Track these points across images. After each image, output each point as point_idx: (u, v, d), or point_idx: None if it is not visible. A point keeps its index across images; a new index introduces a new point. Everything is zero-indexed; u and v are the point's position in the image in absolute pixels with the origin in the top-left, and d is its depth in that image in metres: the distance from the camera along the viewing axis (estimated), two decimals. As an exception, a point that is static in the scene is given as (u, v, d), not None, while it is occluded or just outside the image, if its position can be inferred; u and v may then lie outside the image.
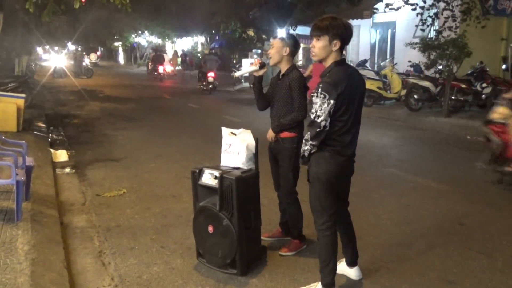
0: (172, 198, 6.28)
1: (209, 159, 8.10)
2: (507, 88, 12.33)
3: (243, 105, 16.86)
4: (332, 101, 3.35)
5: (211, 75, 20.28)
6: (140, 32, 42.60)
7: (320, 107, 3.36)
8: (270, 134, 4.50)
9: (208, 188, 4.18)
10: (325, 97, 3.35)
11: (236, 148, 4.31)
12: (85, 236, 5.04)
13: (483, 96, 13.11)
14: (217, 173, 4.11)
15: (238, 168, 4.24)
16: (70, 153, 8.91)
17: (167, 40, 43.06)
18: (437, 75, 14.00)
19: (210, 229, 4.18)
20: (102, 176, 7.29)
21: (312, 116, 3.42)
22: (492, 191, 6.58)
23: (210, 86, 20.13)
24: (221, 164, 4.39)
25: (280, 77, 4.51)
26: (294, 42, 4.51)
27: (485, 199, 6.24)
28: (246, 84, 23.66)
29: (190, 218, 5.25)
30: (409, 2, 14.74)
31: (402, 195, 6.16)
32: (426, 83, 13.78)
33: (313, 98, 3.41)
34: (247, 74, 22.55)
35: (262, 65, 4.46)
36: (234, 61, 28.59)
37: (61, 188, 6.69)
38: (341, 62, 3.54)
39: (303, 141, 3.53)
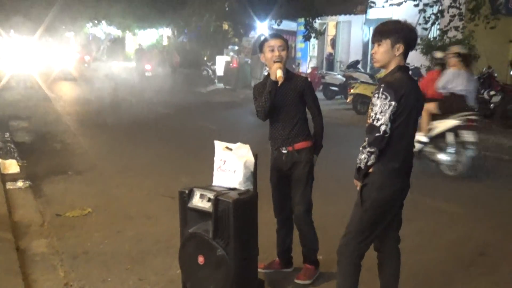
0: (147, 219, 6.15)
1: (187, 173, 8.00)
2: (519, 97, 12.56)
3: (218, 109, 16.79)
4: (393, 103, 3.34)
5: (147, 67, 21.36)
6: (96, 21, 42.15)
7: (380, 108, 3.36)
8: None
9: (200, 212, 4.07)
10: (386, 98, 3.35)
11: (232, 165, 4.21)
12: (47, 265, 4.88)
13: (492, 105, 13.26)
14: (210, 195, 4.00)
15: (234, 189, 4.15)
16: (21, 163, 8.66)
17: (127, 32, 42.70)
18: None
19: (201, 259, 4.06)
20: (62, 192, 7.12)
21: (371, 120, 3.41)
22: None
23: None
24: (214, 184, 4.28)
25: (279, 83, 4.43)
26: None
27: (506, 224, 6.27)
28: (220, 85, 23.64)
29: (171, 244, 5.21)
30: (411, -3, 14.90)
31: (412, 219, 6.11)
32: (427, 89, 13.91)
33: (373, 100, 3.41)
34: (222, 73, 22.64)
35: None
36: (205, 58, 28.47)
37: (13, 206, 6.49)
38: (405, 68, 3.57)
39: (360, 149, 3.48)
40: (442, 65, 8.89)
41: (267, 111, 4.41)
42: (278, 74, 4.26)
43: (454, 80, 8.22)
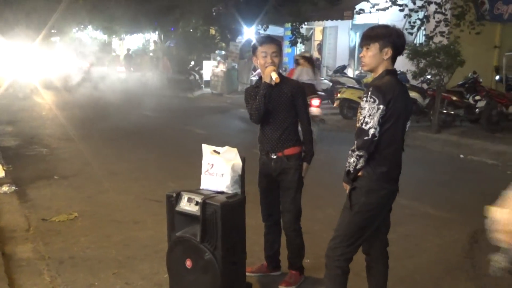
0: (134, 224, 6.11)
1: (174, 178, 8.00)
2: (504, 102, 12.66)
3: (206, 114, 16.76)
4: (382, 107, 3.36)
5: None
6: (82, 26, 41.91)
7: (368, 112, 3.38)
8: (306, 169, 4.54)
9: (187, 216, 4.05)
10: (374, 101, 3.37)
11: (220, 169, 4.20)
12: (33, 270, 4.83)
13: (477, 110, 13.36)
14: (198, 198, 3.99)
15: (222, 193, 4.14)
16: (6, 168, 8.59)
17: (114, 37, 42.50)
18: (425, 85, 14.24)
19: (189, 263, 4.05)
20: (48, 197, 7.07)
21: (359, 123, 3.42)
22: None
23: None
24: (201, 187, 4.27)
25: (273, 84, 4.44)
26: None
27: (491, 228, 6.29)
28: (208, 90, 23.62)
29: (158, 249, 5.19)
30: (397, 3, 14.99)
31: (399, 223, 6.13)
32: (413, 94, 13.94)
33: (361, 103, 3.43)
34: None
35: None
36: (192, 63, 28.42)
37: (-2, 211, 6.44)
38: (394, 72, 3.58)
39: (349, 152, 3.49)
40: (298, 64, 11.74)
41: (262, 114, 4.36)
42: (274, 76, 4.25)
43: (302, 74, 11.20)
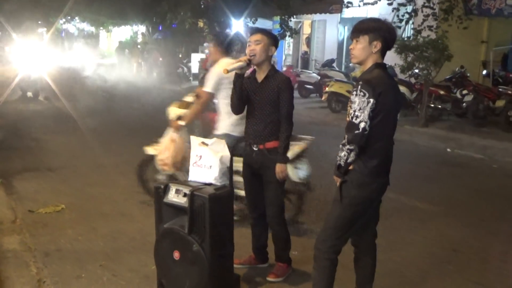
0: (121, 216, 6.10)
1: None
2: (491, 97, 12.75)
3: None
4: (372, 100, 3.37)
5: None
6: (69, 17, 41.59)
7: (359, 106, 3.38)
8: (283, 171, 4.36)
9: (175, 208, 4.05)
10: (364, 95, 3.37)
11: (208, 160, 4.20)
12: (20, 262, 4.81)
13: (464, 104, 13.45)
14: (186, 190, 3.98)
15: (210, 184, 4.14)
16: (-8, 160, 8.54)
17: (101, 28, 42.23)
18: (413, 80, 14.30)
19: (176, 255, 4.05)
20: (35, 189, 7.03)
21: (350, 117, 3.43)
22: (483, 213, 6.73)
23: None
24: (189, 179, 4.27)
25: (260, 79, 4.43)
26: (277, 41, 4.51)
27: (477, 221, 6.37)
28: (195, 83, 23.52)
29: (146, 241, 5.18)
30: (386, -4, 15.02)
31: (387, 216, 6.16)
32: (401, 88, 13.90)
33: (351, 97, 3.44)
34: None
35: (249, 62, 4.35)
36: (180, 55, 28.31)
37: (-16, 203, 6.39)
38: (383, 66, 3.59)
39: (340, 146, 3.50)
40: None
41: (235, 104, 4.47)
42: (225, 67, 4.27)
43: None
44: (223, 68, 4.28)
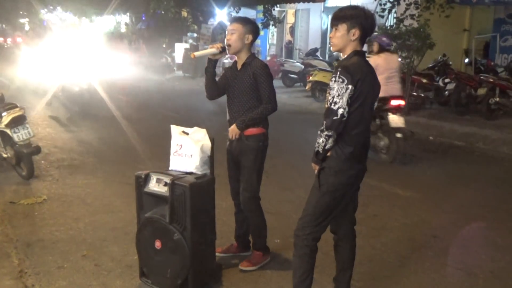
0: (103, 206, 6.09)
1: (144, 160, 7.96)
2: (473, 85, 12.84)
3: (178, 97, 16.67)
4: (350, 86, 3.39)
5: None
6: (51, 7, 41.18)
7: (337, 92, 3.40)
8: (234, 131, 4.42)
9: (156, 197, 4.07)
10: (343, 81, 3.39)
11: (189, 149, 4.21)
12: (1, 253, 4.81)
13: (446, 92, 13.55)
14: (167, 179, 4.00)
15: (191, 173, 4.15)
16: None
17: (84, 18, 41.85)
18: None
19: (158, 244, 4.07)
20: (16, 180, 6.98)
21: (328, 104, 3.45)
22: (464, 200, 6.81)
23: None
24: (170, 168, 4.28)
25: (239, 67, 4.46)
26: (255, 28, 4.51)
27: (457, 208, 6.44)
28: (180, 73, 23.48)
29: (128, 231, 5.19)
30: (368, -15, 15.05)
31: (368, 204, 6.25)
32: (383, 77, 14.09)
33: (330, 84, 3.46)
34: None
35: (223, 49, 4.39)
36: (164, 45, 28.19)
37: (-36, 194, 6.36)
38: (362, 53, 3.61)
39: (318, 132, 3.51)
40: None
41: (206, 88, 4.68)
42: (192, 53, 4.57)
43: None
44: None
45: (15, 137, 6.77)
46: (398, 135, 8.42)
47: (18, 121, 6.84)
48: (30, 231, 5.31)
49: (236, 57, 4.51)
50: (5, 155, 7.05)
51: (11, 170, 7.12)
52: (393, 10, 15.17)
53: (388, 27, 13.94)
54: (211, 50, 4.44)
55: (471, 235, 5.58)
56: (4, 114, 6.86)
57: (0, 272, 4.43)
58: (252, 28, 4.43)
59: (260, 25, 22.08)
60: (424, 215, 6.14)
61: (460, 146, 10.37)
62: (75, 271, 4.48)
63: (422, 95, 13.85)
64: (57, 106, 13.11)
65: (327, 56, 20.90)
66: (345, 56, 3.61)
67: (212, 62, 4.53)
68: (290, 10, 24.87)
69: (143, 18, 32.16)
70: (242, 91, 4.40)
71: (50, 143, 9.22)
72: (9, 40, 35.96)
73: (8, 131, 6.81)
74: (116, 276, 4.41)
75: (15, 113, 6.85)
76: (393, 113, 8.45)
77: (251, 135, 4.40)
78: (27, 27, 44.38)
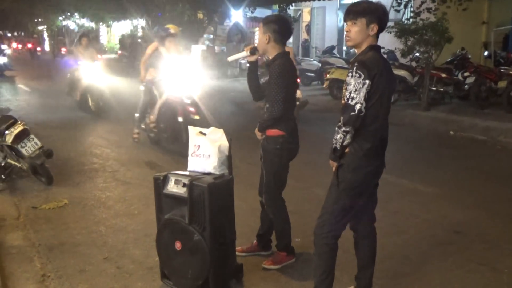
0: (123, 209, 6.12)
1: (166, 161, 7.99)
2: (493, 78, 12.70)
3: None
4: (367, 81, 3.35)
5: None
6: (68, 14, 41.51)
7: (354, 87, 3.37)
8: (256, 132, 4.49)
9: (175, 198, 4.08)
10: (360, 76, 3.36)
11: (206, 150, 4.22)
12: (24, 257, 4.85)
13: (466, 86, 13.41)
14: (185, 180, 4.01)
15: (209, 174, 4.16)
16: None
17: (101, 24, 42.18)
18: (414, 63, 14.25)
19: (178, 245, 4.08)
20: (37, 185, 7.04)
21: (345, 99, 3.42)
22: (486, 194, 6.73)
23: None
24: (188, 169, 4.29)
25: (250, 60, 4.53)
26: (278, 26, 4.36)
27: (479, 203, 6.37)
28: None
29: (148, 233, 5.21)
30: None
31: (389, 200, 6.20)
32: (402, 72, 13.99)
33: (347, 79, 3.42)
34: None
35: (253, 51, 4.40)
36: (181, 48, 28.25)
37: (-13, 200, 6.44)
38: (377, 48, 3.58)
39: (335, 128, 3.47)
40: None
41: (252, 91, 4.63)
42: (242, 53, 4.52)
43: None
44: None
45: (23, 151, 6.88)
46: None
47: (23, 136, 6.93)
48: (52, 235, 5.35)
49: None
50: (22, 166, 7.11)
51: (32, 176, 7.19)
52: (409, 4, 15.05)
53: (405, 21, 13.84)
54: (242, 54, 4.52)
55: (494, 230, 5.51)
56: (6, 132, 6.95)
57: (23, 277, 4.47)
58: (271, 27, 4.34)
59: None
60: (445, 211, 6.08)
61: (481, 140, 10.26)
62: (96, 274, 4.51)
63: (442, 89, 13.74)
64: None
65: (344, 53, 20.83)
66: (361, 51, 3.59)
67: (253, 63, 4.52)
68: (305, 8, 24.83)
69: (159, 15, 32.25)
70: (268, 89, 4.39)
71: (70, 147, 9.30)
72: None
73: (16, 147, 6.90)
74: (138, 279, 4.42)
75: (17, 128, 6.94)
76: None
77: (270, 137, 4.40)
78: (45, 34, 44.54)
